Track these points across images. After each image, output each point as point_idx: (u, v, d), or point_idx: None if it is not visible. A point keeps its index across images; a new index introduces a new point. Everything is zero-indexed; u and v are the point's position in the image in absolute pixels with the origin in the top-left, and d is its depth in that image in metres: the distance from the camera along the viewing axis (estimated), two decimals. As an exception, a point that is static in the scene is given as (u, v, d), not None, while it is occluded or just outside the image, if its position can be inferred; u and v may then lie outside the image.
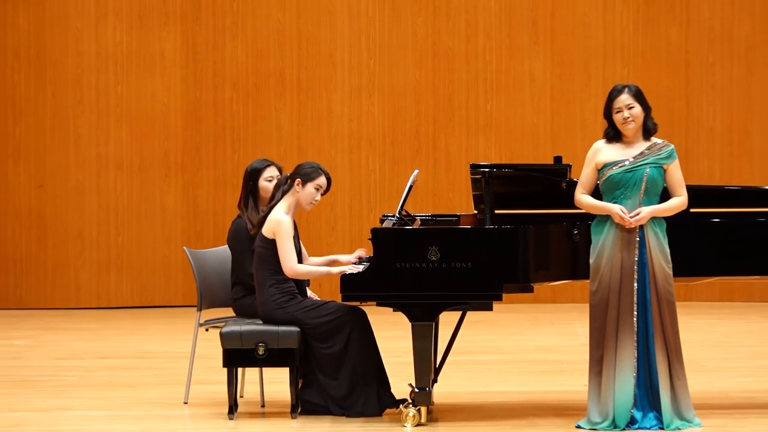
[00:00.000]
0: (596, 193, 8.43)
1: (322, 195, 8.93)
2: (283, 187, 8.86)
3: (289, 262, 8.65)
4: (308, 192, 8.80)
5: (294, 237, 8.81)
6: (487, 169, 8.67)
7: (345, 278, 8.50)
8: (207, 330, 9.19)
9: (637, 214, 8.21)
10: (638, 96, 8.35)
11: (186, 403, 9.15)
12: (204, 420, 8.73)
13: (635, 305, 8.24)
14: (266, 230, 8.69)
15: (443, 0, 14.82)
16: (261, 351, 8.60)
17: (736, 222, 8.91)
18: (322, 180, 8.88)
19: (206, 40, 14.97)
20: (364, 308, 8.73)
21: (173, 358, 11.09)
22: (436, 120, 15.12)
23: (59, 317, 14.11)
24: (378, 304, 8.57)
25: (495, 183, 8.71)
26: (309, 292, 9.02)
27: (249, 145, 15.00)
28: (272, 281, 8.70)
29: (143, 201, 15.11)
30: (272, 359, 8.69)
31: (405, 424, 8.39)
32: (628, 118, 8.27)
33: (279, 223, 8.66)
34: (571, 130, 14.83)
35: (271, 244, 8.67)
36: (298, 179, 8.80)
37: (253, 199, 9.18)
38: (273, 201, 8.89)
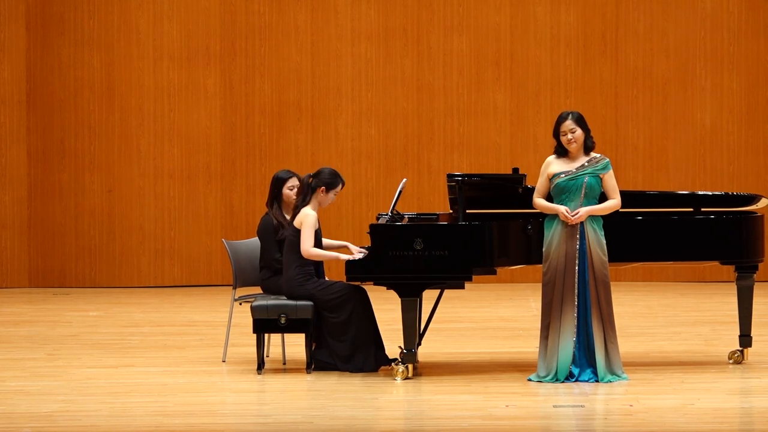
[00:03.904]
0: (549, 197, 8.08)
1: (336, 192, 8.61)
2: (309, 186, 8.51)
3: (305, 245, 8.33)
4: (329, 197, 8.49)
5: (317, 230, 8.57)
6: (460, 178, 8.37)
7: (349, 263, 8.17)
8: (240, 304, 8.90)
9: (577, 213, 7.96)
10: (579, 121, 8.01)
11: (224, 361, 8.88)
12: (238, 375, 8.49)
13: (576, 285, 7.88)
14: (296, 222, 8.37)
15: (425, 46, 14.61)
16: (283, 320, 8.32)
17: (655, 219, 8.59)
18: (339, 187, 8.53)
19: (240, 76, 14.76)
20: (364, 287, 8.45)
21: (214, 326, 10.84)
22: (420, 139, 14.90)
23: (124, 294, 13.88)
24: (375, 284, 8.24)
25: (466, 189, 8.31)
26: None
27: (273, 160, 14.77)
28: (296, 264, 8.39)
29: (190, 203, 14.88)
30: (291, 327, 8.36)
31: (395, 378, 8.09)
32: (571, 139, 7.96)
33: (306, 215, 8.35)
34: (525, 147, 14.61)
35: (299, 234, 8.41)
36: (323, 187, 8.46)
37: (277, 202, 8.84)
38: (300, 197, 8.59)
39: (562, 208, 7.89)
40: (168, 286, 14.55)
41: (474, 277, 8.12)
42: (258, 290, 8.91)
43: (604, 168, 7.99)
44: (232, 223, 14.95)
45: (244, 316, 9.11)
